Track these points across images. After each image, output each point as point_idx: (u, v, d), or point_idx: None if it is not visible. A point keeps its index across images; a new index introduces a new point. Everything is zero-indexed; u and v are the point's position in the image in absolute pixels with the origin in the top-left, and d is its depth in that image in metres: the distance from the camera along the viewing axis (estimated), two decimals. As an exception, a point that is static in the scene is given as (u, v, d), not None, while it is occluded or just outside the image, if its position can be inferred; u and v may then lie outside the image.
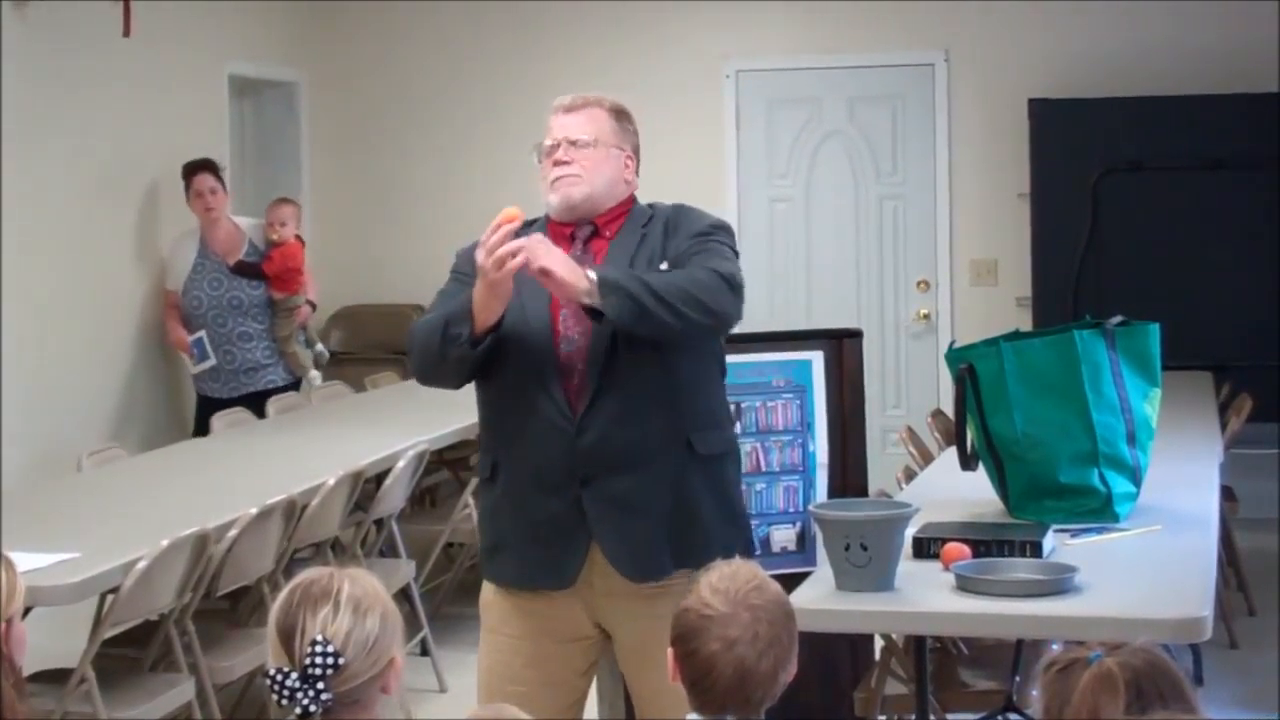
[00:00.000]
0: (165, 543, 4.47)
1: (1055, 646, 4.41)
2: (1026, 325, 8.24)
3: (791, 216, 9.42)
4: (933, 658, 4.39)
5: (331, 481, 5.43)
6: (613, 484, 3.55)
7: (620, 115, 3.76)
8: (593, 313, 3.47)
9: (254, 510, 4.95)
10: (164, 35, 8.20)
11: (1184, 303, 8.23)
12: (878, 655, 4.63)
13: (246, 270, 7.84)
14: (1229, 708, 5.72)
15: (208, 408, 7.54)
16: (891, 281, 9.34)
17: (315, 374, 8.02)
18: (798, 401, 4.83)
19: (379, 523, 6.22)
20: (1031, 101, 8.79)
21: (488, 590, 3.75)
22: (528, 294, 3.58)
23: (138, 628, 4.94)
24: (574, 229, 3.69)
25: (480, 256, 3.46)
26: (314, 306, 8.20)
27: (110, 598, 4.54)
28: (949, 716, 4.54)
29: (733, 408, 4.65)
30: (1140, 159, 8.61)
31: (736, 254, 3.69)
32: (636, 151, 3.78)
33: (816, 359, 4.88)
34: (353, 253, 9.87)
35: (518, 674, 3.66)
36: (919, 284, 9.31)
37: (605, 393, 3.54)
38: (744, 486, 4.71)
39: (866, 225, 9.35)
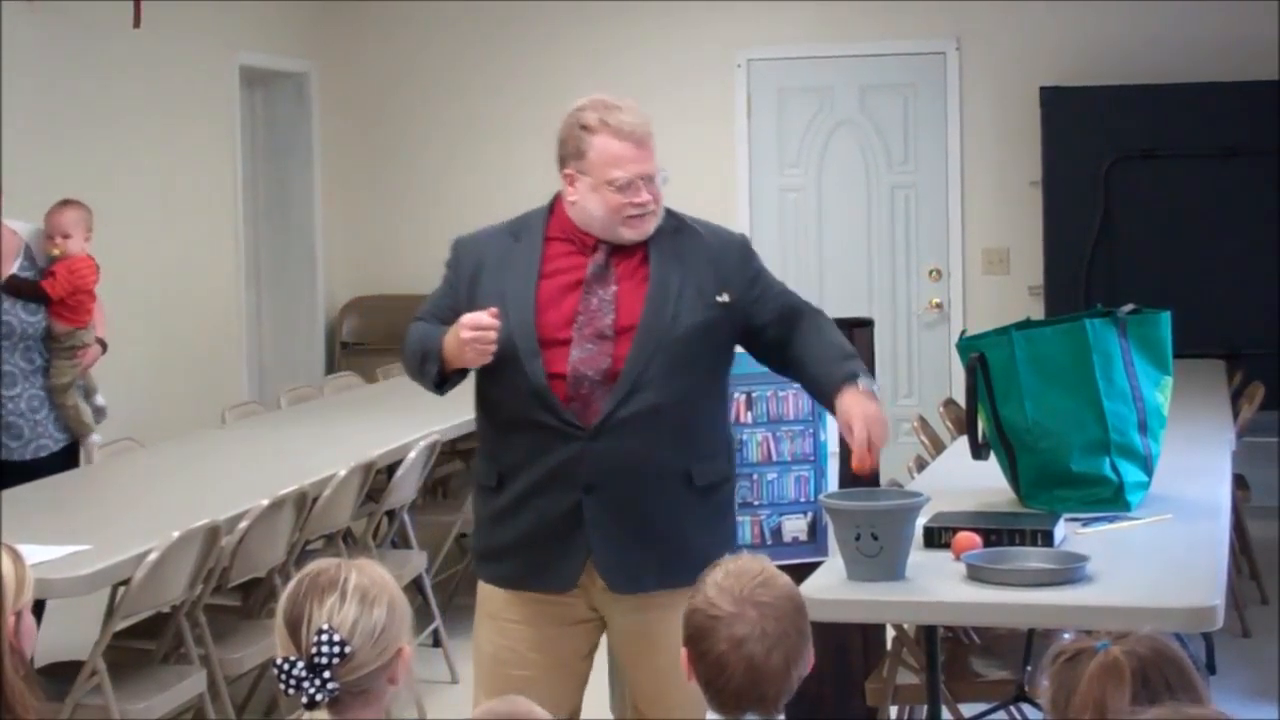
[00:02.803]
0: (176, 534, 4.47)
1: (1067, 636, 4.40)
2: (1038, 314, 8.22)
3: (803, 205, 9.41)
4: (944, 647, 4.38)
5: (343, 472, 5.43)
6: (614, 495, 3.57)
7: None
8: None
9: (265, 501, 4.94)
10: (174, 26, 8.20)
11: (1196, 290, 8.21)
12: (889, 645, 4.62)
13: (23, 289, 5.82)
14: (1242, 696, 5.71)
15: None
16: (903, 270, 9.33)
17: (98, 437, 6.09)
18: (808, 391, 4.83)
19: (391, 514, 6.21)
20: (1043, 89, 8.78)
21: (485, 585, 3.76)
22: (511, 301, 3.60)
23: (149, 620, 4.94)
24: (596, 240, 3.66)
25: (466, 333, 3.52)
26: (105, 347, 6.12)
27: (121, 590, 4.54)
28: (960, 706, 4.53)
29: (743, 397, 4.67)
30: (1152, 147, 8.59)
31: None
32: None
33: (827, 348, 4.86)
34: (364, 243, 9.88)
35: (523, 658, 3.67)
36: (931, 273, 9.30)
37: (626, 406, 3.54)
38: (754, 477, 4.74)
39: (878, 214, 9.34)
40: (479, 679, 3.77)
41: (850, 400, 3.55)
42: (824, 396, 3.65)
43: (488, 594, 3.74)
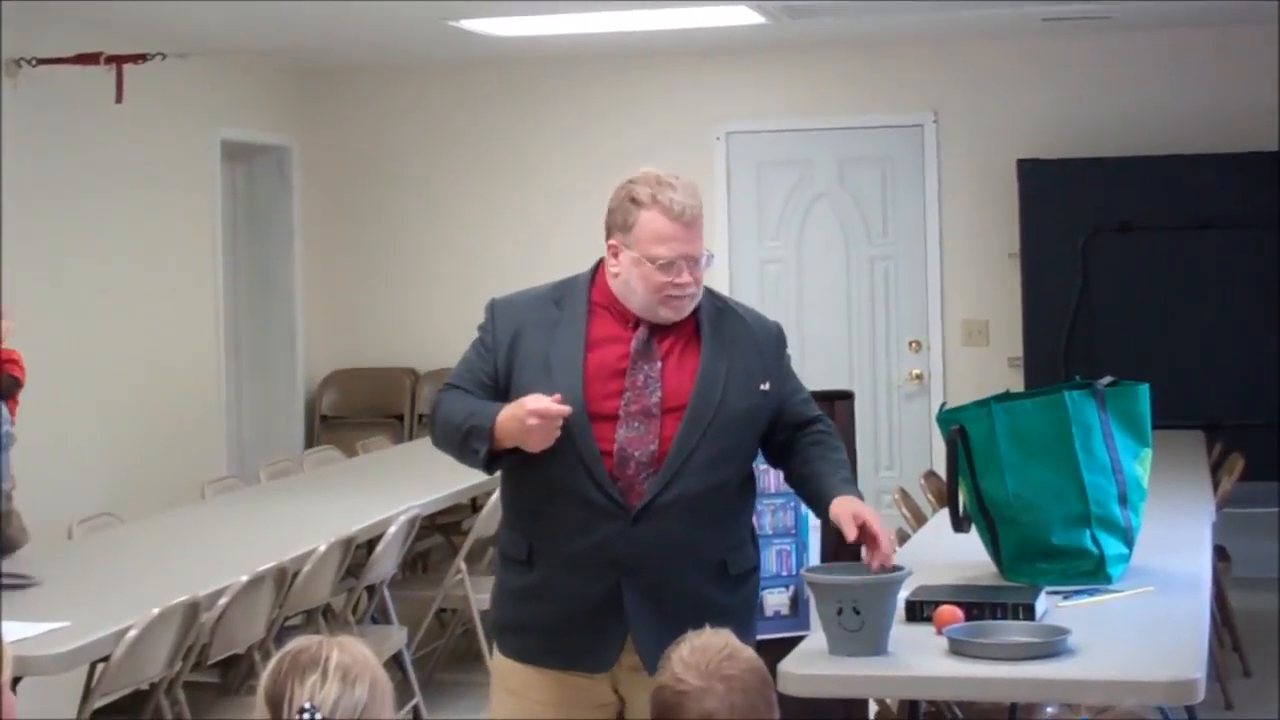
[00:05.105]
0: (155, 611, 4.44)
1: (1050, 710, 4.38)
2: (1018, 385, 8.23)
3: (782, 277, 9.44)
4: (927, 721, 4.37)
5: (323, 548, 5.41)
6: (654, 579, 3.50)
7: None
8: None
9: (245, 578, 4.92)
10: (156, 100, 8.23)
11: (1174, 362, 8.25)
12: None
13: (7, 387, 5.11)
14: (1225, 769, 5.69)
15: None
16: (883, 342, 9.36)
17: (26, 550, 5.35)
18: (789, 464, 4.81)
19: (370, 589, 6.19)
20: (1020, 162, 8.84)
21: (505, 659, 3.65)
22: (558, 369, 3.51)
23: (128, 697, 4.90)
24: (637, 317, 3.56)
25: (532, 420, 3.38)
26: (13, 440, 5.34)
27: (100, 667, 4.51)
28: (944, 780, 4.51)
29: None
30: (1129, 219, 8.64)
31: None
32: None
33: (808, 421, 4.86)
34: (344, 316, 9.88)
35: None
36: (911, 344, 9.33)
37: (670, 490, 3.48)
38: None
39: (858, 286, 9.38)
40: None
41: (847, 499, 3.54)
42: (820, 505, 3.62)
43: (509, 669, 3.63)
